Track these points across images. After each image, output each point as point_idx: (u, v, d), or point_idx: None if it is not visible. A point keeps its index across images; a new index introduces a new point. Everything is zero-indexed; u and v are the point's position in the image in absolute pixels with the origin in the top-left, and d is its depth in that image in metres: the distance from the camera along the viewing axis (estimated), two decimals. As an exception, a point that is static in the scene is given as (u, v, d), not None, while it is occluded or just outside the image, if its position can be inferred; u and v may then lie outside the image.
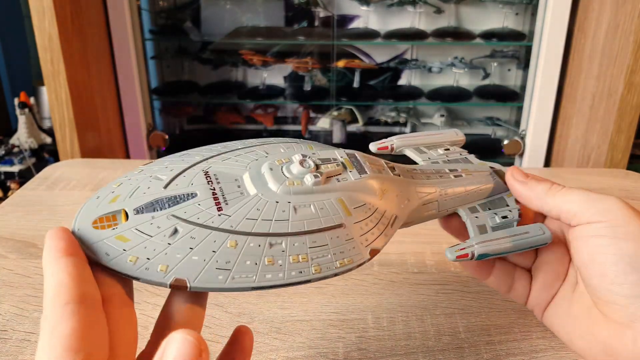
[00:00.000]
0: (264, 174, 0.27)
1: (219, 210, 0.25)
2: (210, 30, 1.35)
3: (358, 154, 0.31)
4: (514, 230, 0.32)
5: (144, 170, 0.28)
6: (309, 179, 0.27)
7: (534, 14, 1.20)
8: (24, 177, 1.40)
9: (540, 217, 0.34)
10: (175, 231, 0.24)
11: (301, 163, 0.28)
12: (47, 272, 0.22)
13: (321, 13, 1.31)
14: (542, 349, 0.38)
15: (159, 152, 1.34)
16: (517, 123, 1.30)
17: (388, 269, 0.47)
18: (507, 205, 0.34)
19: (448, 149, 0.37)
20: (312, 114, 1.39)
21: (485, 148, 1.35)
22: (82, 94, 1.04)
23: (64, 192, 0.62)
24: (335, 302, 0.42)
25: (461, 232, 0.34)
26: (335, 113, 1.35)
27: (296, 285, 0.25)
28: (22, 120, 1.44)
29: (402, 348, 0.38)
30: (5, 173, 1.41)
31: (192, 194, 0.26)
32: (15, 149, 1.46)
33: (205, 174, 0.27)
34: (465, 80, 1.37)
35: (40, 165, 1.43)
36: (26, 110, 1.44)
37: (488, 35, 1.26)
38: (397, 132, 1.45)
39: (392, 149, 0.37)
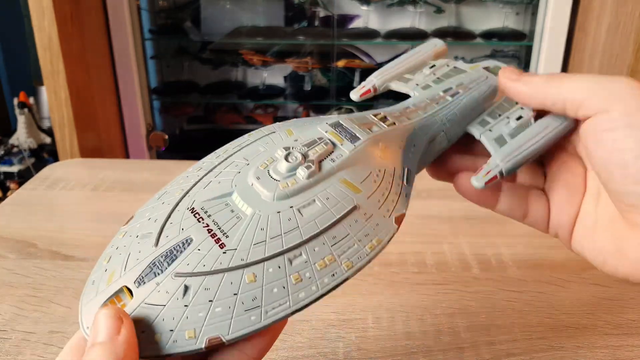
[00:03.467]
0: (253, 186, 0.24)
1: (221, 248, 0.23)
2: (210, 30, 1.35)
3: (343, 120, 0.28)
4: (534, 129, 0.29)
5: (127, 231, 0.25)
6: (301, 173, 0.24)
7: (534, 14, 1.20)
8: (23, 177, 1.40)
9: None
10: (186, 289, 0.22)
11: (286, 159, 0.25)
12: None
13: (321, 13, 1.31)
14: (543, 349, 0.38)
15: (158, 153, 1.34)
16: (517, 123, 1.30)
17: (388, 269, 0.47)
18: (517, 103, 0.31)
19: (434, 65, 0.34)
20: (312, 114, 1.39)
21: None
22: (82, 93, 1.04)
23: (63, 192, 0.62)
24: (335, 302, 0.42)
25: (452, 173, 0.31)
26: (335, 113, 1.35)
27: (334, 291, 0.23)
28: (21, 120, 1.44)
29: (402, 348, 0.38)
30: (5, 173, 1.41)
31: (186, 240, 0.23)
32: (15, 149, 1.46)
33: (192, 212, 0.24)
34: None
35: (39, 165, 1.42)
36: (25, 110, 1.44)
37: (488, 35, 1.26)
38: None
39: (375, 89, 0.33)
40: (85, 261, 0.48)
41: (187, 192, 0.25)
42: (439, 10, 1.29)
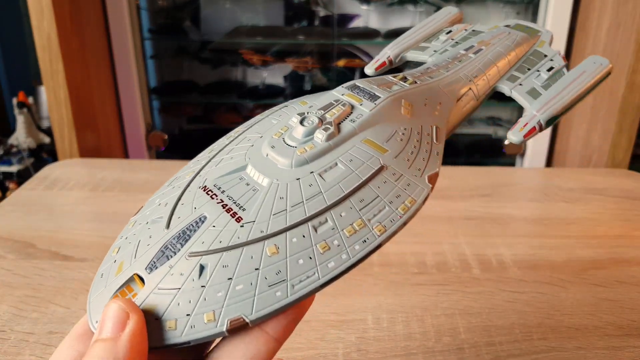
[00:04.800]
0: (268, 156, 0.23)
1: (238, 221, 0.21)
2: (210, 30, 1.35)
3: (360, 82, 0.26)
4: (569, 77, 0.28)
5: (137, 220, 0.24)
6: (319, 136, 0.23)
7: (535, 14, 1.20)
8: (22, 177, 1.40)
9: None
10: (202, 268, 0.20)
11: (302, 123, 0.23)
12: None
13: (321, 12, 1.31)
14: (543, 350, 0.38)
15: (157, 153, 1.34)
16: (518, 123, 1.30)
17: (388, 270, 0.47)
18: (546, 56, 0.30)
19: (450, 31, 0.33)
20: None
21: (486, 148, 1.35)
22: (81, 93, 1.04)
23: (62, 192, 0.62)
24: (335, 302, 0.42)
25: None
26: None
27: (367, 259, 0.21)
28: (20, 120, 1.44)
29: (402, 349, 0.38)
30: (4, 173, 1.41)
31: (200, 218, 0.22)
32: (14, 149, 1.46)
33: (204, 190, 0.23)
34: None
35: (38, 165, 1.42)
36: (25, 110, 1.44)
37: (488, 35, 1.26)
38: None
39: (391, 62, 0.32)
40: (85, 261, 0.48)
41: (198, 173, 0.24)
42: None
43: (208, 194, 0.22)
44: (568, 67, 0.29)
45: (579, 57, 1.12)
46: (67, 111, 0.99)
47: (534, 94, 0.28)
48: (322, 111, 0.24)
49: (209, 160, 0.24)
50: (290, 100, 0.27)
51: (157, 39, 1.36)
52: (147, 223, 0.23)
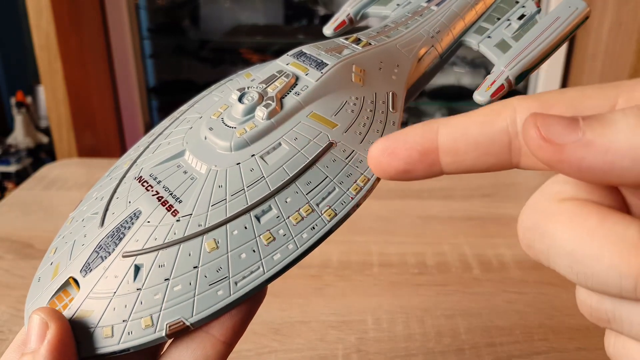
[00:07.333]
0: (206, 139, 0.21)
1: (174, 215, 0.19)
2: (209, 29, 1.35)
3: (306, 48, 0.24)
4: (541, 24, 0.25)
5: (74, 217, 0.22)
6: (260, 114, 0.21)
7: (534, 13, 1.20)
8: (20, 177, 1.40)
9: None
10: (138, 269, 0.19)
11: (241, 100, 0.21)
12: None
13: (321, 11, 1.31)
14: (544, 351, 0.38)
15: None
16: (517, 122, 1.30)
17: (388, 270, 0.46)
18: (517, 2, 0.27)
19: None
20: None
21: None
22: (80, 93, 1.04)
23: (60, 193, 0.62)
24: (334, 303, 0.42)
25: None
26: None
27: (317, 247, 0.19)
28: (19, 119, 1.44)
29: (402, 350, 0.38)
30: (2, 173, 1.41)
31: (135, 213, 0.20)
32: (12, 149, 1.45)
33: (139, 181, 0.21)
34: (466, 79, 1.37)
35: (37, 165, 1.42)
36: (23, 109, 1.43)
37: (488, 34, 1.26)
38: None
39: (351, 20, 0.29)
40: (82, 262, 0.48)
41: (134, 161, 0.22)
42: (439, 9, 1.29)
43: (143, 186, 0.21)
44: (546, 12, 0.26)
45: (580, 57, 1.12)
46: (66, 111, 0.99)
47: (503, 46, 0.25)
48: (264, 85, 0.22)
49: (147, 146, 0.23)
50: (238, 73, 0.25)
51: (156, 38, 1.36)
52: (82, 220, 0.21)
